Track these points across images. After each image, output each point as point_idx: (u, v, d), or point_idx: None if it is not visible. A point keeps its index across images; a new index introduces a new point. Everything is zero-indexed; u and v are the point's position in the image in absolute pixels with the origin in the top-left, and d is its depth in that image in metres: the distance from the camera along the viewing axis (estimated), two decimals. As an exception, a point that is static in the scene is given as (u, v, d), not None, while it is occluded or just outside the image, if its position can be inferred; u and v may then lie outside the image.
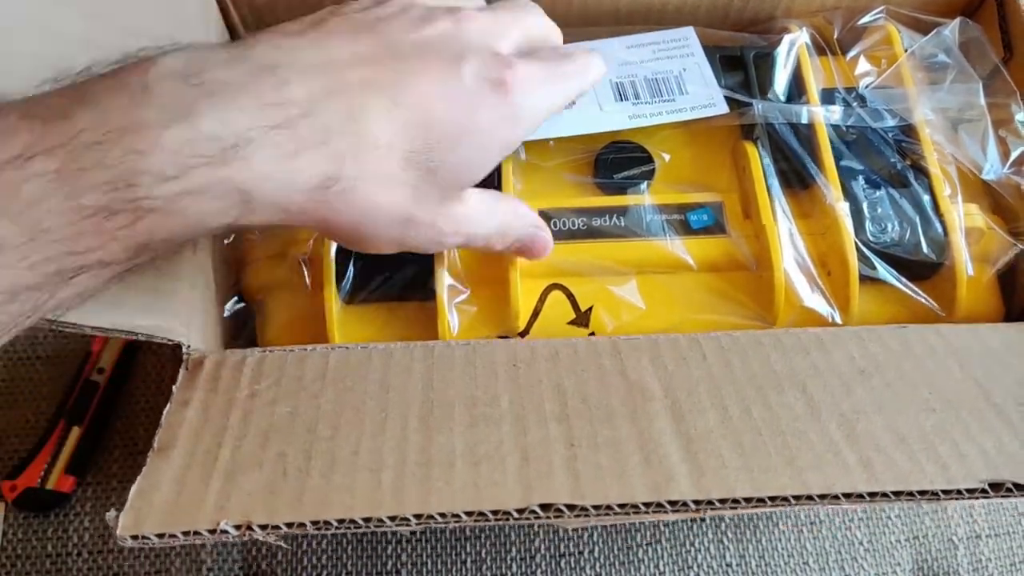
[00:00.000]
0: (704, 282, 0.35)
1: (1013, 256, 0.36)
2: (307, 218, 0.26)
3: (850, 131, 0.36)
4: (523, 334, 0.34)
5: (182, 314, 0.31)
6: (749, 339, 0.31)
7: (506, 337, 0.34)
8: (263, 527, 0.25)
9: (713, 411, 0.28)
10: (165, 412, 0.29)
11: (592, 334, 0.34)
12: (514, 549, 0.44)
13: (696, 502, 0.25)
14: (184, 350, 0.30)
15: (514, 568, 0.43)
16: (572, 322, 0.34)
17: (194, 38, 0.35)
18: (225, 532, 0.25)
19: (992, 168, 0.36)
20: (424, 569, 0.43)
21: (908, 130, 0.36)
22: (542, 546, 0.44)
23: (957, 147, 0.37)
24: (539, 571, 0.43)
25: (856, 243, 0.34)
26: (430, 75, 0.27)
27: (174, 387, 0.29)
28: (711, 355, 0.30)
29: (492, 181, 0.35)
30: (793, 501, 0.25)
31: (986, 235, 0.35)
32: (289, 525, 0.25)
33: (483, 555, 0.44)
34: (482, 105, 0.28)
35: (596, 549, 0.44)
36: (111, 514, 0.26)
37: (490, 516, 0.25)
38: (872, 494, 0.26)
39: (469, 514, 0.25)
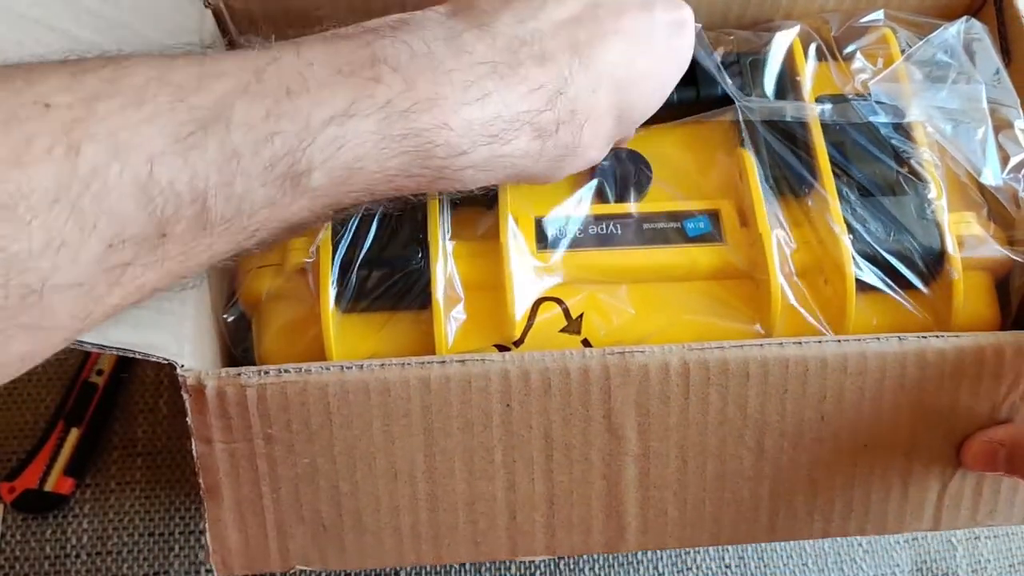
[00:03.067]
0: (701, 289, 0.35)
1: (1008, 265, 0.36)
2: (537, 177, 0.29)
3: (846, 135, 0.36)
4: (518, 343, 0.34)
5: (173, 329, 0.31)
6: (738, 364, 0.31)
7: (502, 347, 0.34)
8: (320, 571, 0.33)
9: (675, 463, 0.32)
10: (194, 449, 0.31)
11: (585, 340, 0.34)
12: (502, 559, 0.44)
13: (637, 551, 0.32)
14: (178, 370, 0.30)
15: (513, 569, 0.43)
16: (564, 330, 0.34)
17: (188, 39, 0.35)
18: (296, 573, 0.33)
19: (991, 173, 0.36)
20: (424, 570, 0.43)
21: (905, 132, 0.36)
22: (528, 559, 0.44)
23: (957, 149, 0.36)
24: (538, 572, 0.43)
25: (853, 253, 0.34)
26: (631, 24, 0.30)
27: (188, 419, 0.31)
28: (695, 392, 0.32)
29: (491, 187, 0.35)
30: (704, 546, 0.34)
31: (982, 244, 0.35)
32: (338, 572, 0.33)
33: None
34: (668, 47, 0.31)
35: (595, 550, 0.44)
36: (203, 554, 0.33)
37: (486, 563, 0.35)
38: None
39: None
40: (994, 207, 0.36)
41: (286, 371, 0.30)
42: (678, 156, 0.37)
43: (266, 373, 0.30)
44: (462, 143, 0.26)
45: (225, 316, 0.36)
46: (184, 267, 0.23)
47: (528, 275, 0.34)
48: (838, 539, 0.45)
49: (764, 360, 0.31)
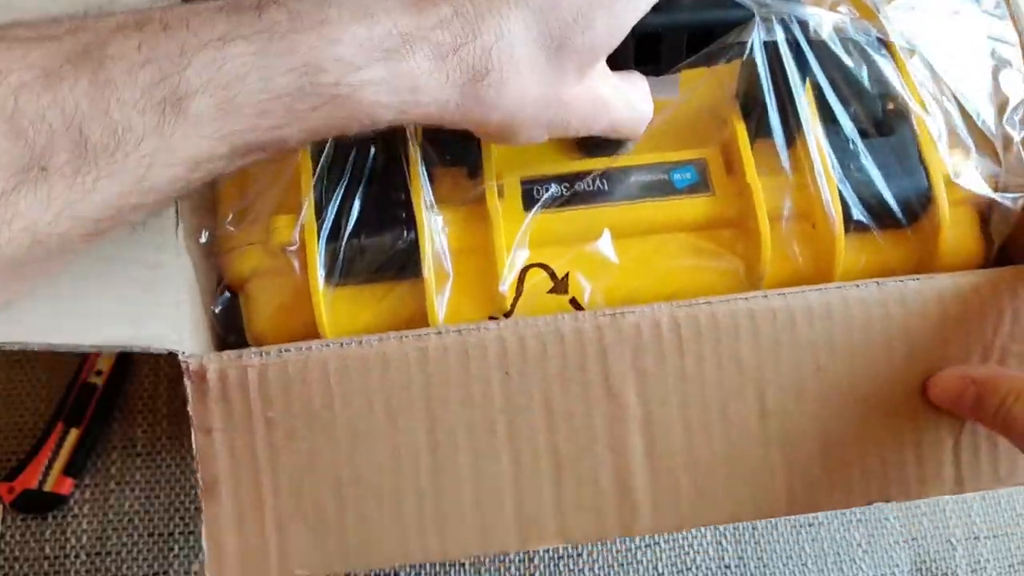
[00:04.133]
0: (688, 241, 0.35)
1: (994, 207, 0.36)
2: (462, 115, 0.28)
3: (838, 72, 0.35)
4: (508, 315, 0.34)
5: (170, 319, 0.31)
6: (727, 318, 0.32)
7: (495, 319, 0.34)
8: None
9: (680, 428, 0.32)
10: (193, 440, 0.30)
11: (573, 300, 0.34)
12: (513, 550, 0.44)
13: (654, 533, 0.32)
14: (181, 357, 0.31)
15: (512, 570, 0.43)
16: (552, 291, 0.34)
17: None
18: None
19: (987, 115, 0.36)
20: (423, 570, 0.43)
21: (901, 67, 0.36)
22: (541, 547, 0.44)
23: (955, 87, 0.36)
24: (538, 573, 0.43)
25: (840, 193, 0.34)
26: None
27: (188, 407, 0.30)
28: (688, 348, 0.32)
29: (473, 151, 0.35)
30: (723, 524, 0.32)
31: (970, 186, 0.35)
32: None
33: (482, 557, 0.44)
34: None
35: (595, 551, 0.44)
36: (196, 566, 0.33)
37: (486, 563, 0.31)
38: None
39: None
40: (986, 149, 0.36)
41: (287, 350, 0.31)
42: (662, 105, 0.36)
43: (267, 353, 0.31)
44: (354, 58, 0.25)
45: (214, 306, 0.36)
46: (77, 209, 0.23)
47: (516, 238, 0.34)
48: (837, 539, 0.45)
49: (752, 312, 0.32)
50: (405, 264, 0.34)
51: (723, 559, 0.44)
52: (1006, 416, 0.31)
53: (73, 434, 0.43)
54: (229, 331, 0.36)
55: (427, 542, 0.31)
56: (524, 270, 0.34)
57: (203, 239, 0.35)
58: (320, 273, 0.33)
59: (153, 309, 0.31)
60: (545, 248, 0.34)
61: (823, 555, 0.45)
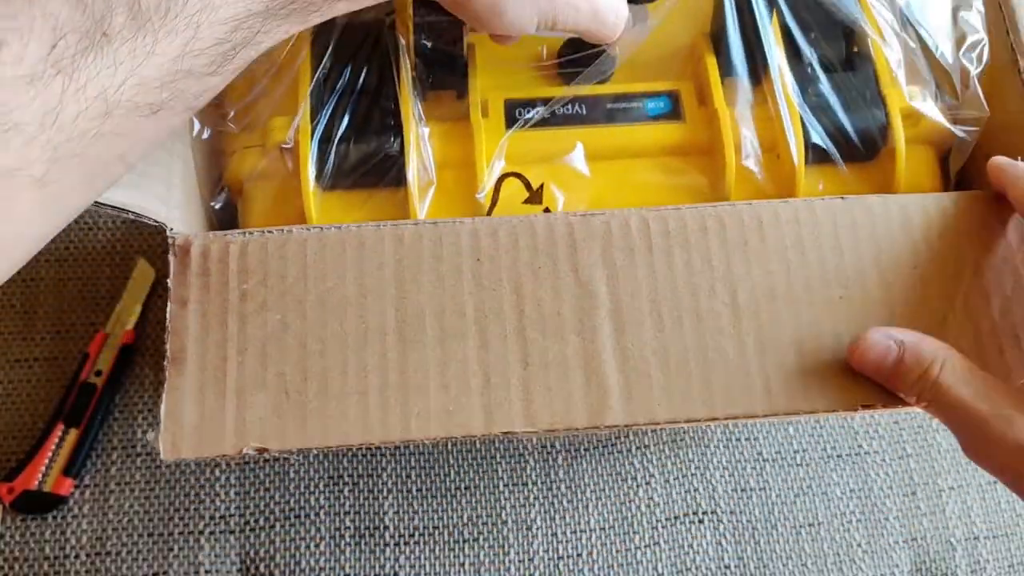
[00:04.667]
0: (660, 164, 0.37)
1: (951, 141, 0.37)
2: None
3: (802, 9, 0.37)
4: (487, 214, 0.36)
5: (167, 200, 0.33)
6: (695, 220, 0.33)
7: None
8: (277, 450, 0.31)
9: (650, 320, 0.32)
10: (168, 312, 0.31)
11: (546, 209, 0.36)
12: (512, 551, 0.44)
13: (625, 425, 0.31)
14: (168, 233, 0.32)
15: (512, 570, 0.43)
16: (527, 201, 0.36)
17: None
18: (248, 455, 0.30)
19: (946, 50, 0.37)
20: (423, 571, 0.43)
21: (863, 3, 0.37)
22: (540, 548, 0.44)
23: (916, 22, 0.37)
24: (537, 573, 0.43)
25: (804, 124, 0.36)
26: None
27: (168, 280, 0.32)
28: (657, 246, 0.33)
29: (462, 71, 0.37)
30: (701, 422, 0.31)
31: (925, 118, 0.37)
32: (299, 450, 0.31)
33: (481, 557, 0.44)
34: None
35: (595, 551, 0.44)
36: (151, 435, 0.30)
37: (459, 438, 0.31)
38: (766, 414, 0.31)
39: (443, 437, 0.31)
40: (945, 84, 0.38)
41: (270, 232, 0.32)
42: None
43: (251, 233, 0.32)
44: None
45: (212, 203, 0.37)
46: (140, 74, 0.23)
47: (496, 151, 0.36)
48: (837, 540, 0.45)
49: (719, 216, 0.33)
50: (391, 171, 0.35)
51: (723, 559, 0.44)
52: (933, 386, 0.29)
53: (73, 434, 0.43)
54: (226, 228, 0.37)
55: (389, 421, 0.30)
56: (501, 178, 0.36)
57: (205, 135, 0.37)
58: (311, 172, 0.35)
59: (148, 184, 0.32)
60: (523, 163, 0.36)
61: (823, 555, 0.45)
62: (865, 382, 0.32)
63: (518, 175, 0.36)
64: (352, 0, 0.27)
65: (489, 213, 0.36)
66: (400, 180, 0.35)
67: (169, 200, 0.33)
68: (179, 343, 0.31)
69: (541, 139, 0.36)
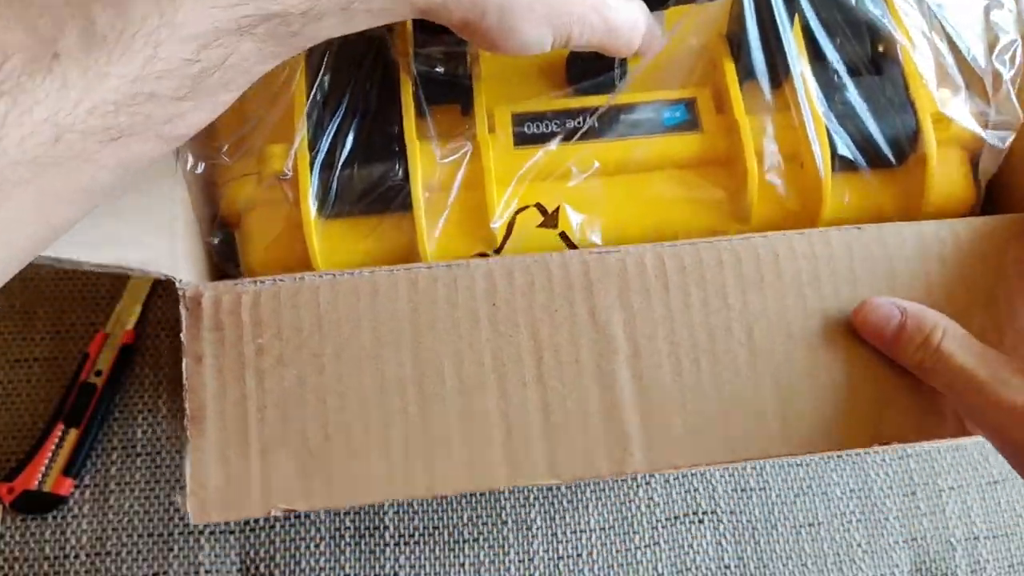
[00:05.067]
0: (678, 177, 0.36)
1: (981, 147, 0.36)
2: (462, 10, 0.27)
3: (826, 11, 0.36)
4: (498, 250, 0.35)
5: (169, 248, 0.32)
6: (711, 255, 0.32)
7: (484, 255, 0.35)
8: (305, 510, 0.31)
9: (668, 363, 0.32)
10: (184, 368, 0.31)
11: (562, 233, 0.35)
12: (512, 552, 0.44)
13: (648, 471, 0.31)
14: (177, 284, 0.31)
15: (512, 570, 0.43)
16: (542, 224, 0.35)
17: None
18: (277, 516, 0.30)
19: (978, 53, 0.36)
20: (423, 571, 0.43)
21: (891, 5, 0.36)
22: (540, 548, 0.44)
23: (947, 24, 0.36)
24: (537, 573, 0.43)
25: (828, 131, 0.34)
26: None
27: (182, 335, 0.31)
28: (673, 283, 0.32)
29: (465, 86, 0.35)
30: (719, 465, 0.32)
31: (954, 124, 0.36)
32: (326, 509, 0.31)
33: (481, 558, 0.44)
34: None
35: (595, 551, 0.44)
36: (179, 498, 0.31)
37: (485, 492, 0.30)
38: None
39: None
40: (976, 87, 0.37)
41: (281, 280, 0.32)
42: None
43: (262, 282, 0.32)
44: None
45: (211, 238, 0.36)
46: (94, 97, 0.22)
47: (507, 173, 0.35)
48: (837, 540, 0.45)
49: (735, 250, 0.32)
50: (396, 197, 0.34)
51: (723, 559, 0.44)
52: (934, 353, 0.30)
53: (72, 434, 0.43)
54: (226, 263, 0.36)
55: (414, 477, 0.31)
56: (517, 212, 0.35)
57: (199, 170, 0.35)
58: (312, 203, 0.33)
59: (150, 235, 0.31)
60: (535, 183, 0.35)
61: (823, 555, 0.45)
62: (879, 417, 0.32)
63: (537, 206, 0.35)
64: (336, 24, 0.26)
65: (503, 242, 0.35)
66: (406, 207, 0.34)
67: (175, 249, 0.32)
68: (197, 401, 0.31)
69: (553, 157, 0.35)
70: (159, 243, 0.32)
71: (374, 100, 0.35)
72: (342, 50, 0.35)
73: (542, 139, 0.35)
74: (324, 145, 0.34)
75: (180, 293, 0.31)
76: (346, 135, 0.34)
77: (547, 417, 0.31)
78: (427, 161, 0.34)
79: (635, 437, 0.31)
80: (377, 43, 0.35)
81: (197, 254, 0.35)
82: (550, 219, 0.35)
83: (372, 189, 0.34)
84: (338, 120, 0.34)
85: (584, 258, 0.32)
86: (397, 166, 0.34)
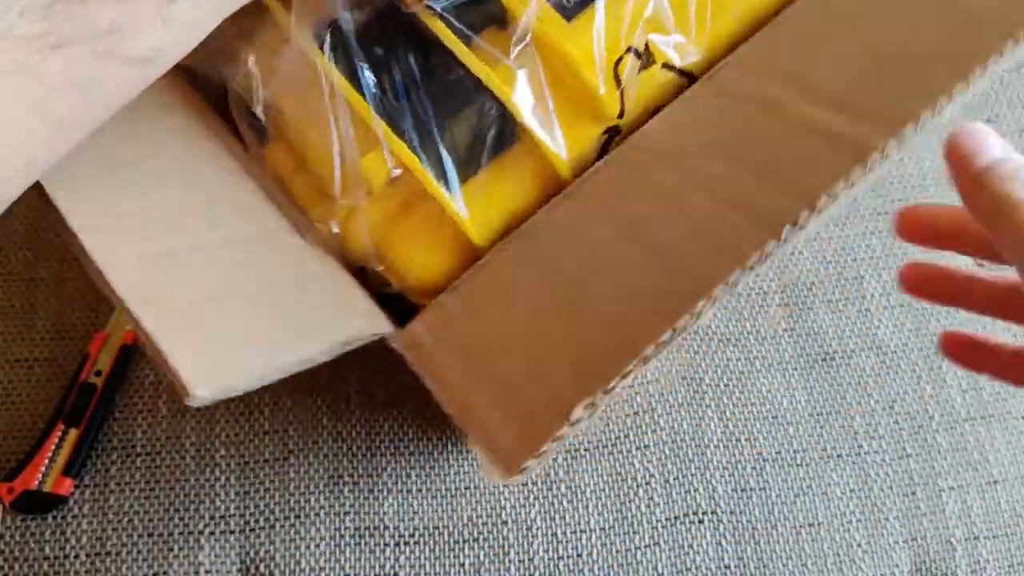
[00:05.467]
0: None
1: None
2: None
3: None
4: (621, 115, 0.34)
5: (364, 310, 0.32)
6: None
7: (612, 128, 0.34)
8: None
9: None
10: (435, 393, 0.30)
11: (664, 64, 0.34)
12: (512, 552, 0.44)
13: None
14: (389, 338, 0.31)
15: (512, 570, 0.43)
16: (641, 68, 0.34)
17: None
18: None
19: None
20: (423, 571, 0.43)
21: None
22: (540, 548, 0.44)
23: None
24: (537, 573, 0.43)
25: None
26: None
27: (416, 371, 0.30)
28: None
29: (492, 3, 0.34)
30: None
31: None
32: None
33: (481, 558, 0.44)
34: None
35: (595, 551, 0.44)
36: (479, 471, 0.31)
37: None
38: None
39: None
40: None
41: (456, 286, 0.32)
42: None
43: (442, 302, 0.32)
44: None
45: (379, 288, 0.35)
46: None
47: (583, 49, 0.33)
48: (837, 540, 0.45)
49: None
50: (504, 130, 0.33)
51: (723, 559, 0.44)
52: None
53: (73, 434, 0.43)
54: (382, 286, 0.36)
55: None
56: (615, 68, 0.33)
57: (335, 229, 0.34)
58: (437, 182, 0.32)
59: (335, 306, 0.32)
60: (612, 38, 0.33)
61: (823, 555, 0.45)
62: None
63: (624, 53, 0.33)
64: None
65: (622, 104, 0.33)
66: (516, 133, 0.33)
67: (371, 311, 0.32)
68: (458, 402, 0.30)
69: (614, 7, 0.33)
70: (355, 314, 0.32)
71: (422, 60, 0.33)
72: (361, 40, 0.33)
73: (583, 3, 0.33)
74: (409, 124, 0.33)
75: (397, 348, 0.30)
76: (422, 104, 0.33)
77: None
78: (506, 80, 0.33)
79: None
80: (390, 13, 0.34)
81: (364, 298, 0.34)
82: (646, 59, 0.34)
83: (480, 135, 0.33)
84: (404, 97, 0.33)
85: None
86: (486, 102, 0.33)
